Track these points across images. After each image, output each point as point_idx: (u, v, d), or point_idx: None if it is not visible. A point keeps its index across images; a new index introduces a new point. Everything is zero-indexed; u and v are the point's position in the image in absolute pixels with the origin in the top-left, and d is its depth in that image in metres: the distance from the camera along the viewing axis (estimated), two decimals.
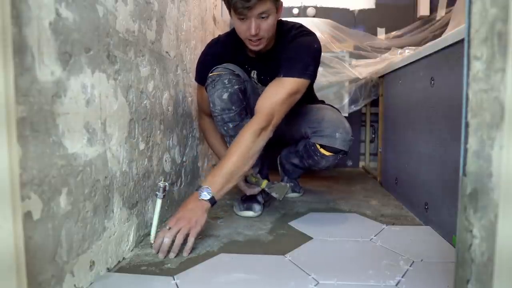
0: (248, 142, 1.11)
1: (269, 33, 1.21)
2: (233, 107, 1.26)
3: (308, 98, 1.53)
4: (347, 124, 1.35)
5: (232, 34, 1.36)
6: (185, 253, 0.97)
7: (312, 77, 1.24)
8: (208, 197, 1.04)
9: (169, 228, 0.98)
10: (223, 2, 1.22)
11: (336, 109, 1.51)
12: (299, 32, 1.29)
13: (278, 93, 1.18)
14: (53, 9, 0.66)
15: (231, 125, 1.28)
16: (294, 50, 1.24)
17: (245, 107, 1.29)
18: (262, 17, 1.15)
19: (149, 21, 1.13)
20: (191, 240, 0.98)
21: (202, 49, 1.44)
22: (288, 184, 1.33)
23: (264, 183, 1.32)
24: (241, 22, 1.17)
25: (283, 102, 1.18)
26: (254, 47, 1.23)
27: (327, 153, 1.35)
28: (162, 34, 1.25)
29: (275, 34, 1.29)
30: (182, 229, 0.97)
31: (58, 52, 0.67)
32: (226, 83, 1.25)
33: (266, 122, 1.15)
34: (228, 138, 1.34)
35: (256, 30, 1.16)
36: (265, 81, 1.38)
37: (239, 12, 1.13)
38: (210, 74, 1.28)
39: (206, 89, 1.30)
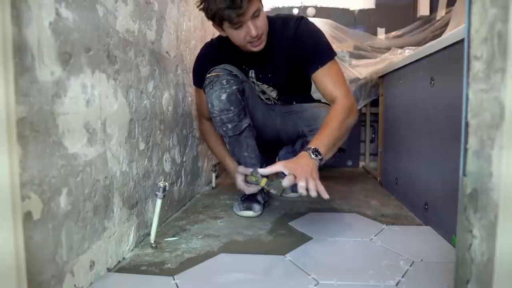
0: (343, 115, 1.17)
1: (265, 29, 1.21)
2: (232, 108, 1.25)
3: (305, 98, 1.53)
4: None
5: (225, 37, 1.35)
6: (326, 195, 1.03)
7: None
8: (320, 157, 1.09)
9: (292, 174, 1.03)
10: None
11: None
12: (298, 23, 1.28)
13: (334, 78, 1.24)
14: (53, 9, 0.66)
15: (229, 126, 1.28)
16: (311, 40, 1.27)
17: (243, 107, 1.29)
18: (255, 16, 1.15)
19: (149, 21, 1.13)
20: (320, 185, 1.04)
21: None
22: None
23: (264, 181, 1.32)
24: (237, 30, 1.17)
25: (343, 81, 1.26)
26: (256, 47, 1.22)
27: None
28: (162, 34, 1.25)
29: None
30: (302, 176, 1.02)
31: (58, 52, 0.67)
32: (224, 83, 1.24)
33: (350, 101, 1.21)
34: (227, 139, 1.33)
35: (256, 30, 1.15)
36: (264, 78, 1.38)
37: (234, 22, 1.13)
38: (208, 75, 1.27)
39: (204, 90, 1.30)
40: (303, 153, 1.10)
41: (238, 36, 1.19)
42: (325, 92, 1.26)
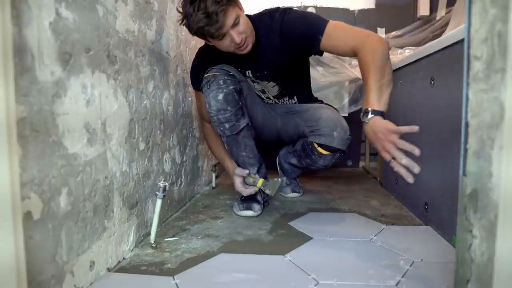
0: (370, 58, 1.08)
1: (248, 31, 1.21)
2: (229, 108, 1.26)
3: (306, 97, 1.53)
4: (344, 123, 1.35)
5: None
6: (416, 151, 0.92)
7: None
8: (371, 116, 0.99)
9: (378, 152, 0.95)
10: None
11: (334, 108, 1.51)
12: (284, 12, 1.27)
13: (341, 34, 1.18)
14: (53, 9, 0.66)
15: (227, 125, 1.28)
16: (300, 24, 1.24)
17: (241, 107, 1.29)
18: (236, 24, 1.15)
19: (149, 21, 1.13)
20: (399, 141, 0.92)
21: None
22: (280, 179, 1.33)
23: (260, 182, 1.32)
24: (222, 41, 1.18)
25: (353, 29, 1.19)
26: (244, 51, 1.22)
27: (325, 152, 1.35)
28: (162, 34, 1.25)
29: (254, 28, 1.27)
30: (385, 142, 0.93)
31: (58, 52, 0.67)
32: (221, 83, 1.25)
33: (369, 40, 1.12)
34: (225, 139, 1.34)
35: (239, 37, 1.16)
36: (262, 76, 1.38)
37: (216, 36, 1.14)
38: (205, 75, 1.28)
39: (201, 90, 1.31)
40: (363, 118, 1.02)
41: (223, 45, 1.20)
42: (343, 50, 1.20)
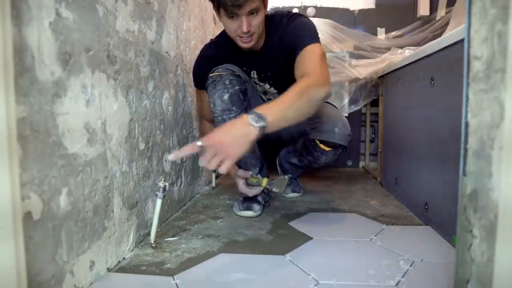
0: (308, 83, 1.02)
1: (259, 29, 1.20)
2: (234, 108, 1.26)
3: None
4: (345, 119, 1.37)
5: (224, 37, 1.34)
6: (222, 171, 0.86)
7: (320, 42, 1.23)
8: (262, 123, 0.87)
9: (200, 146, 0.87)
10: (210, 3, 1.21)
11: (334, 105, 1.52)
12: (291, 17, 1.28)
13: (312, 59, 1.15)
14: (53, 9, 0.66)
15: None
16: (297, 28, 1.24)
17: (246, 108, 1.29)
18: (252, 13, 1.15)
19: (149, 21, 1.13)
20: (226, 165, 0.86)
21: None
22: (286, 176, 1.33)
23: (265, 182, 1.32)
24: (231, 20, 1.16)
25: (321, 62, 1.14)
26: (245, 44, 1.21)
27: (326, 149, 1.36)
28: (162, 34, 1.25)
29: (266, 28, 1.27)
30: (217, 156, 0.86)
31: (58, 52, 0.67)
32: (227, 83, 1.25)
33: (321, 75, 1.08)
34: None
35: (247, 27, 1.15)
36: (266, 78, 1.38)
37: (229, 11, 1.12)
38: (210, 75, 1.28)
39: (206, 89, 1.30)
40: (242, 116, 0.90)
41: (230, 26, 1.18)
42: (298, 71, 1.16)
